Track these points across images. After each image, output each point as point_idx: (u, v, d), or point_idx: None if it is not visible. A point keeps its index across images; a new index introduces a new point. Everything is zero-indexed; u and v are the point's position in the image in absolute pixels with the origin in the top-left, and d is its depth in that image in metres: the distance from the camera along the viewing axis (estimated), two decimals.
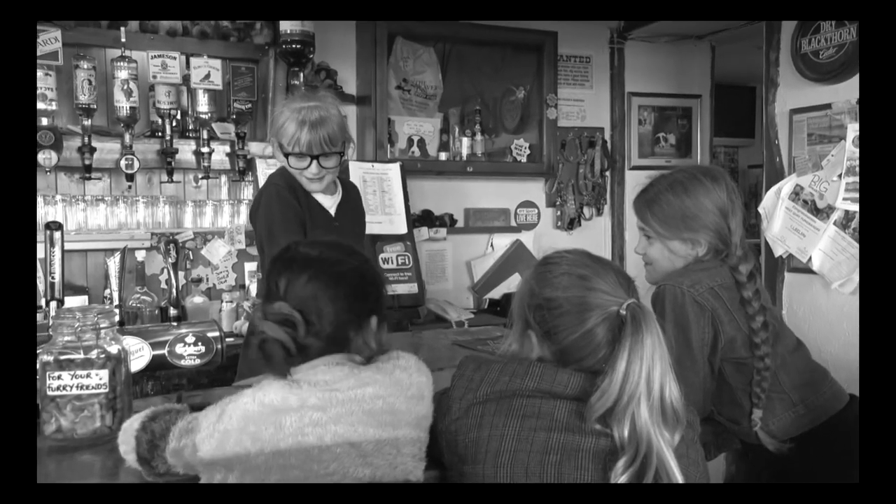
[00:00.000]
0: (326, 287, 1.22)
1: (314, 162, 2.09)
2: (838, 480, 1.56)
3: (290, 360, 1.21)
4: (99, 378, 1.34)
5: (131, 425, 1.26)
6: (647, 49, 4.21)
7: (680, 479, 1.10)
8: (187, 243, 3.06)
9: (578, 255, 1.25)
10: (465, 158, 3.78)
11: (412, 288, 3.29)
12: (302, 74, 3.19)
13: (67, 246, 2.92)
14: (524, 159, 3.91)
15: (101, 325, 1.38)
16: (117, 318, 2.39)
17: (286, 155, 2.09)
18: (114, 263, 2.19)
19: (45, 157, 2.76)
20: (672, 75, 4.32)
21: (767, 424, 1.68)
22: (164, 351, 1.62)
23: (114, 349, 1.39)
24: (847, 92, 2.86)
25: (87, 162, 2.88)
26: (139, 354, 1.59)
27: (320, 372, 1.21)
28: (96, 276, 3.08)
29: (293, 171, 2.12)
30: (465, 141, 3.80)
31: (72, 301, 2.84)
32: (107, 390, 1.36)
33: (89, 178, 2.94)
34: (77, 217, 2.96)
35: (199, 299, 3.02)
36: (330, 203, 2.24)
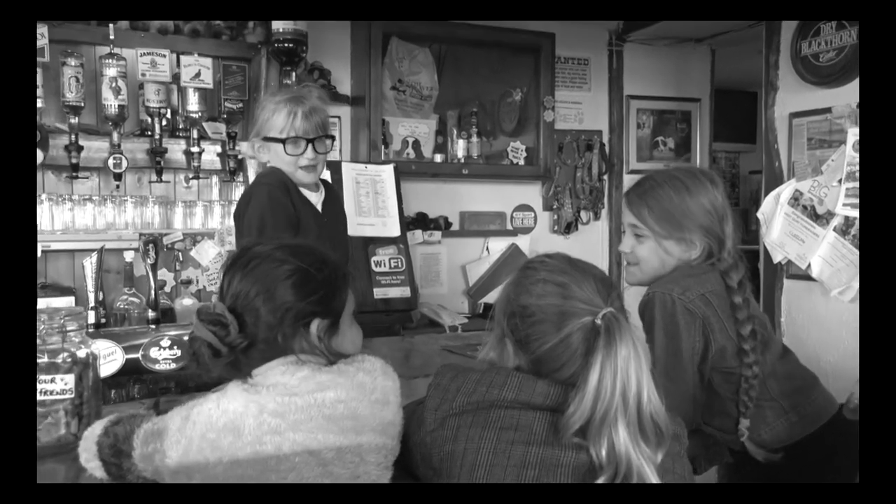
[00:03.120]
0: (259, 284, 1.18)
1: (310, 146, 2.07)
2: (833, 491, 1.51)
3: (221, 361, 1.17)
4: (64, 383, 1.29)
5: (93, 431, 1.22)
6: (646, 52, 4.16)
7: None
8: (176, 244, 3.02)
9: (559, 261, 1.19)
10: (460, 160, 3.73)
11: (404, 292, 3.23)
12: (294, 74, 3.14)
13: (54, 246, 2.90)
14: (521, 162, 3.86)
15: (69, 328, 1.33)
16: (92, 320, 2.35)
17: (282, 142, 2.06)
18: (90, 264, 2.14)
19: None
20: (671, 79, 4.27)
21: (759, 434, 1.63)
22: (139, 355, 1.57)
23: (82, 353, 1.34)
24: (847, 96, 2.81)
25: (73, 161, 2.83)
26: (111, 358, 1.54)
27: (278, 373, 1.17)
28: (82, 276, 3.04)
29: (287, 161, 2.10)
30: (461, 143, 3.75)
31: (57, 302, 2.80)
32: (72, 396, 1.32)
33: (76, 178, 2.89)
34: (64, 217, 2.91)
35: (188, 301, 2.97)
36: (316, 200, 2.23)
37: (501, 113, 4.02)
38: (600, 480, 1.04)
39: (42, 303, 2.88)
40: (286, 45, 3.05)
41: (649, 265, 1.71)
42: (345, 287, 1.27)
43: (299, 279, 1.20)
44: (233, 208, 3.16)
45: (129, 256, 2.87)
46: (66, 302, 2.87)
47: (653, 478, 1.04)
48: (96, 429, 1.22)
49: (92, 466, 1.21)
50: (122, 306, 2.85)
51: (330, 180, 2.84)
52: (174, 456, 1.12)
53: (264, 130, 2.11)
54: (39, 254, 2.83)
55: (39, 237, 2.84)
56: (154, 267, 2.10)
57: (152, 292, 2.16)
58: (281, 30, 3.04)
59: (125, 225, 3.00)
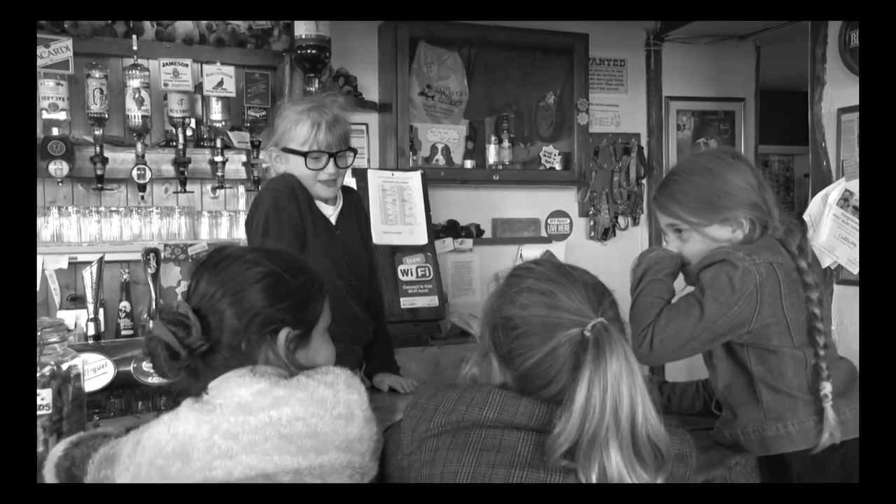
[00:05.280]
0: (227, 285, 1.11)
1: (331, 161, 2.00)
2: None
3: (179, 364, 1.09)
4: (41, 398, 1.25)
5: (55, 452, 1.16)
6: (686, 51, 4.00)
7: None
8: (201, 255, 3.00)
9: (547, 268, 1.08)
10: (492, 167, 3.64)
11: (432, 301, 3.15)
12: (318, 80, 3.10)
13: (81, 258, 2.92)
14: (556, 167, 3.75)
15: (50, 340, 1.28)
16: (91, 332, 2.33)
17: (304, 155, 1.99)
18: (90, 274, 2.12)
19: (57, 168, 2.73)
20: (713, 78, 4.10)
21: (786, 425, 1.51)
22: (130, 367, 1.52)
23: (63, 366, 1.29)
24: None
25: (99, 172, 2.84)
26: (101, 371, 1.50)
27: (234, 385, 1.08)
28: (112, 288, 3.04)
29: (306, 175, 2.02)
30: (493, 149, 3.65)
31: (83, 313, 2.80)
32: (50, 412, 1.27)
33: (101, 189, 2.90)
34: (91, 228, 2.92)
35: None
36: (331, 212, 2.13)
37: (538, 118, 3.92)
38: None
39: (72, 315, 2.91)
40: (309, 51, 3.02)
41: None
42: (320, 298, 1.19)
43: (271, 283, 1.13)
44: None
45: (152, 269, 2.86)
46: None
47: None
48: (58, 450, 1.17)
49: None
50: (147, 317, 2.84)
51: (355, 187, 2.78)
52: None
53: (284, 140, 2.03)
54: (66, 265, 2.84)
55: (67, 249, 2.86)
56: (155, 277, 2.06)
57: (153, 303, 2.12)
58: (304, 36, 3.00)
59: (151, 236, 3.00)
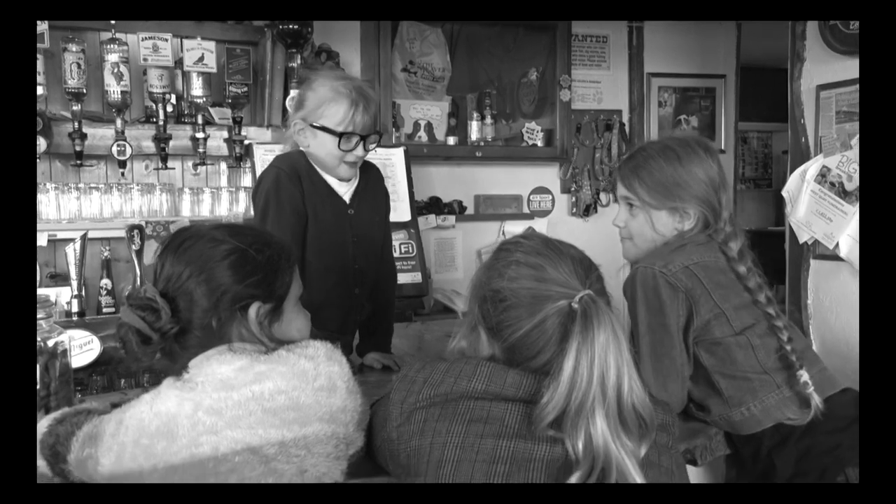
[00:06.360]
0: (192, 265, 1.10)
1: (361, 143, 1.91)
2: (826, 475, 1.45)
3: (152, 349, 1.09)
4: None
5: (39, 429, 1.15)
6: (668, 28, 4.01)
7: None
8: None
9: (535, 242, 1.10)
10: (475, 143, 3.64)
11: (416, 277, 3.17)
12: (300, 56, 3.07)
13: (61, 235, 2.89)
14: (538, 143, 3.76)
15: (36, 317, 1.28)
16: (76, 309, 2.31)
17: (339, 136, 1.87)
18: (73, 251, 2.10)
19: None
20: (694, 55, 4.11)
21: (749, 408, 1.55)
22: (115, 344, 1.52)
23: (49, 342, 1.29)
24: None
25: (77, 148, 2.80)
26: (87, 348, 1.49)
27: (214, 362, 1.08)
28: (93, 265, 3.02)
29: (334, 155, 1.91)
30: (475, 125, 3.65)
31: (66, 291, 2.78)
32: (38, 387, 1.27)
33: (80, 165, 2.86)
34: (70, 205, 2.89)
35: None
36: (345, 189, 2.02)
37: (520, 94, 3.92)
38: (576, 475, 0.95)
39: (52, 292, 2.88)
40: (291, 26, 2.99)
41: (643, 238, 1.68)
42: (289, 270, 1.18)
43: (237, 260, 1.12)
44: (241, 195, 3.14)
45: (136, 245, 2.84)
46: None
47: (633, 472, 0.95)
48: (42, 426, 1.16)
49: (39, 466, 1.15)
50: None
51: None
52: (106, 464, 1.06)
53: (316, 116, 1.90)
54: (45, 243, 2.81)
55: (46, 226, 2.83)
56: (139, 254, 2.05)
57: (137, 279, 2.11)
58: None
59: (132, 213, 2.97)
